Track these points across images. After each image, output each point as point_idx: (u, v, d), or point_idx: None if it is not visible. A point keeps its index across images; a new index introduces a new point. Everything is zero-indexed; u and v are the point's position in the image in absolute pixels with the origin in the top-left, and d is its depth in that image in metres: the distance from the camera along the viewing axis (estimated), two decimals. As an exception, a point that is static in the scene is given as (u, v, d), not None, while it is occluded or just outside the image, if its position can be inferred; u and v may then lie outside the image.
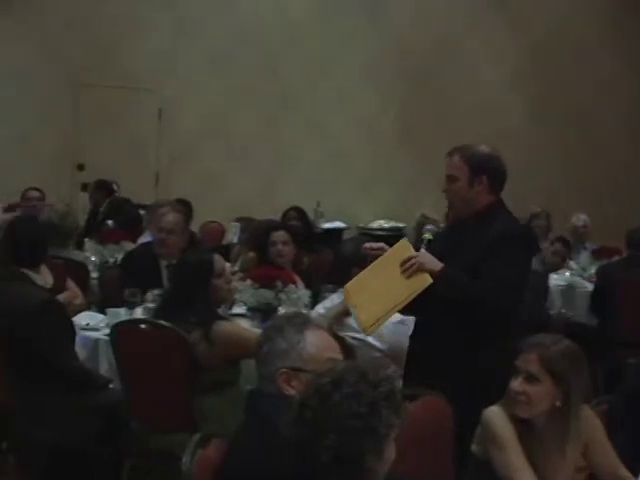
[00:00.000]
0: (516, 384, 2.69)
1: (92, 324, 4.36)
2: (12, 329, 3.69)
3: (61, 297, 4.36)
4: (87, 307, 4.83)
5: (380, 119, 10.07)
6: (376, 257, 3.18)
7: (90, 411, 3.86)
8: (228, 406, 3.43)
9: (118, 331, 3.86)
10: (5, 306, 3.73)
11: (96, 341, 4.22)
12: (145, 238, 5.94)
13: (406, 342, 3.63)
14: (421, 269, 3.07)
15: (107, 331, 4.06)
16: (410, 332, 3.59)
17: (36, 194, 6.99)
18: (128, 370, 3.79)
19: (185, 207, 6.23)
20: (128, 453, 3.88)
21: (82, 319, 4.39)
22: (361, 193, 9.38)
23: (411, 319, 3.75)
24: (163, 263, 4.97)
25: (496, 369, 2.85)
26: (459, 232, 3.27)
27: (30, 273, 3.98)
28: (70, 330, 3.95)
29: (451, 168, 3.19)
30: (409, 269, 3.09)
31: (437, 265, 3.07)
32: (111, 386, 3.98)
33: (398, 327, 3.68)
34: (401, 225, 9.36)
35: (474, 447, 2.80)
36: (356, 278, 3.27)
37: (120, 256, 5.78)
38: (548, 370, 2.67)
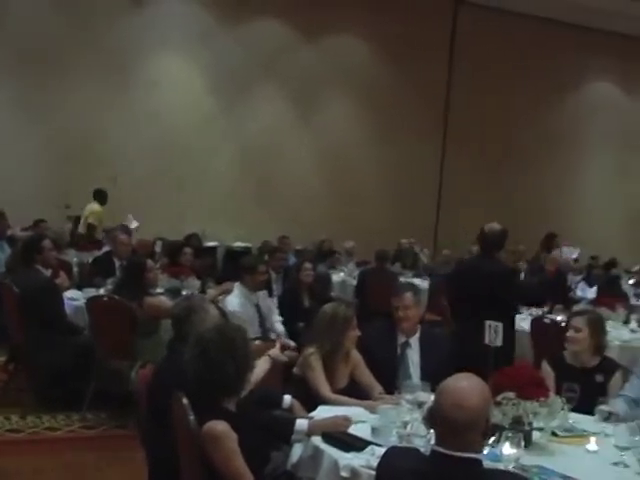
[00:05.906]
0: None
1: (74, 297, 5.52)
2: (32, 299, 4.85)
3: (58, 281, 5.40)
4: (71, 287, 5.94)
5: None
6: None
7: (72, 345, 4.98)
8: (153, 346, 4.43)
9: (90, 302, 5.12)
10: (23, 286, 5.01)
11: (77, 307, 5.36)
12: (106, 249, 7.27)
13: None
14: None
15: (84, 301, 5.22)
16: None
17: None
18: (95, 323, 5.02)
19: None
20: (94, 372, 4.90)
21: (68, 294, 5.56)
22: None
23: None
24: (117, 262, 6.35)
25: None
26: None
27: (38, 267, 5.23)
28: (61, 299, 5.16)
29: None
30: None
31: None
32: (85, 332, 5.12)
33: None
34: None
35: (295, 369, 3.48)
36: None
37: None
38: None
